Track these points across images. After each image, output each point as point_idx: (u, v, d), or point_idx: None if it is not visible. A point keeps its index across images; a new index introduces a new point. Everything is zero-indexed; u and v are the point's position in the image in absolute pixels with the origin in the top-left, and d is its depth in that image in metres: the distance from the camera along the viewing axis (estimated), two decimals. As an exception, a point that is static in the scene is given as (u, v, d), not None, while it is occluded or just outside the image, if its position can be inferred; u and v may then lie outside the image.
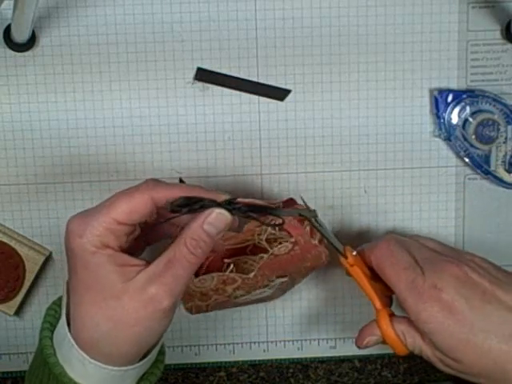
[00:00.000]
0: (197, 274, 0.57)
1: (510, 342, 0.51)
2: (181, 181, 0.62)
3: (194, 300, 0.59)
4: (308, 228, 0.58)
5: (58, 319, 0.53)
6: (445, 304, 0.52)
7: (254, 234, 0.60)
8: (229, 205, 0.50)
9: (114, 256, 0.49)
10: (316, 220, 0.55)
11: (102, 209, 0.50)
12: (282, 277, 0.59)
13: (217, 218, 0.50)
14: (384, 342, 0.56)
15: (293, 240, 0.57)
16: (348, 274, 0.58)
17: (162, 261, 0.49)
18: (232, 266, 0.58)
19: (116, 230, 0.49)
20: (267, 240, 0.59)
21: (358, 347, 0.57)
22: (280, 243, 0.58)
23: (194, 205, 0.50)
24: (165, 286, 0.49)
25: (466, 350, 0.52)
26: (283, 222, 0.54)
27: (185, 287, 0.50)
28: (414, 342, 0.54)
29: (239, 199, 0.51)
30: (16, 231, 0.64)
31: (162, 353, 0.56)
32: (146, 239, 0.55)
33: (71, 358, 0.50)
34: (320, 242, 0.58)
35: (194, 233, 0.50)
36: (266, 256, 0.57)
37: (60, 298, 0.54)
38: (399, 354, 0.55)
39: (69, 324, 0.51)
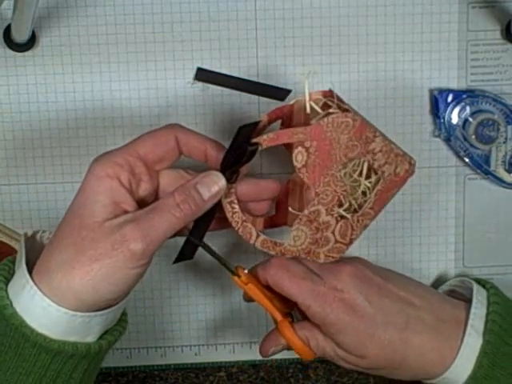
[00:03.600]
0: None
1: (406, 330, 0.55)
2: None
3: (320, 250, 0.56)
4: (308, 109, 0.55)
5: (12, 274, 0.52)
6: (347, 303, 0.54)
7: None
8: (231, 174, 0.52)
9: (115, 190, 0.50)
10: (205, 246, 0.54)
11: (128, 143, 0.52)
12: (358, 164, 0.55)
13: (212, 180, 0.51)
14: (289, 348, 0.57)
15: (298, 143, 0.53)
16: (244, 295, 0.58)
17: (145, 209, 0.50)
18: (290, 208, 0.57)
19: (134, 165, 0.51)
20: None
21: (264, 356, 0.58)
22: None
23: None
24: (139, 228, 0.48)
25: (371, 345, 0.54)
26: (256, 148, 0.53)
27: (162, 240, 0.49)
28: (318, 344, 0.56)
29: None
30: (16, 231, 0.64)
31: (125, 314, 0.55)
32: None
33: (33, 307, 0.49)
34: (326, 108, 0.55)
35: (186, 188, 0.50)
36: (298, 175, 0.54)
37: (14, 257, 0.53)
38: (306, 358, 0.56)
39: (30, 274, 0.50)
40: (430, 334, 0.55)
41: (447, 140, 0.64)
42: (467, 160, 0.64)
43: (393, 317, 0.55)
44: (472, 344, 0.54)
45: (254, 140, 0.52)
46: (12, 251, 0.63)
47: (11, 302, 0.49)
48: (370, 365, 0.55)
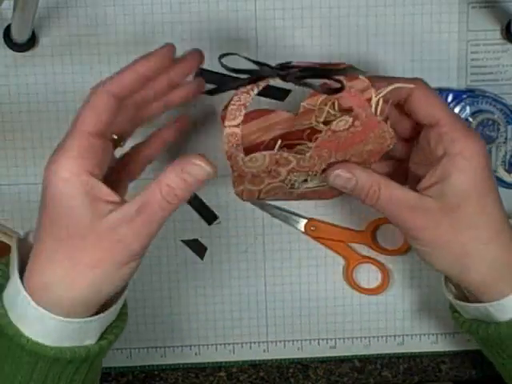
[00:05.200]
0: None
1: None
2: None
3: (245, 183, 0.52)
4: (373, 104, 0.51)
5: (6, 279, 0.50)
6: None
7: (311, 118, 0.55)
8: (282, 70, 0.48)
9: (88, 184, 0.47)
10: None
11: (70, 130, 0.48)
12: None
13: (194, 168, 0.48)
14: None
15: (353, 113, 0.51)
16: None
17: (135, 203, 0.47)
18: (279, 141, 0.52)
19: (91, 145, 0.48)
20: (326, 122, 0.54)
21: None
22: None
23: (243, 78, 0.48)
24: (135, 230, 0.47)
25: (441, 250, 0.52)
26: (342, 87, 0.49)
27: (157, 231, 0.48)
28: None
29: (295, 62, 0.48)
30: (16, 231, 0.64)
31: (124, 305, 0.53)
32: (127, 172, 0.54)
33: (27, 316, 0.48)
34: (385, 120, 0.52)
35: (171, 180, 0.48)
36: (323, 133, 0.51)
37: (7, 259, 0.52)
38: None
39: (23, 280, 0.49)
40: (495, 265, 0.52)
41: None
42: (467, 160, 0.64)
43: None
44: None
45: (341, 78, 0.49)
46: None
47: (6, 311, 0.49)
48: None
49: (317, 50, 0.63)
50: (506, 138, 0.63)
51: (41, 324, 0.48)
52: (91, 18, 0.62)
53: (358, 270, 0.66)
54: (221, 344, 0.67)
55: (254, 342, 0.67)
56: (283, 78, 0.47)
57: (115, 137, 0.52)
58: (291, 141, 0.54)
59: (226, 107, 0.49)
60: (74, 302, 0.48)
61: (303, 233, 0.65)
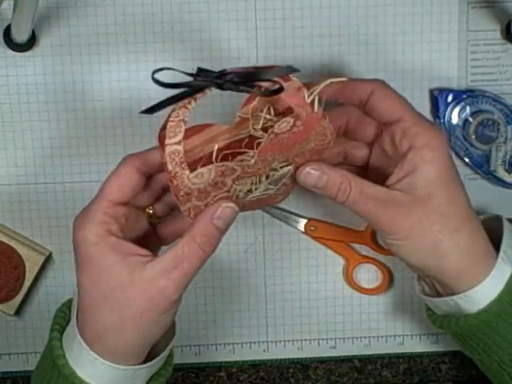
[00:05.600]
0: (193, 170, 0.50)
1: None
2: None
3: (192, 200, 0.51)
4: (309, 100, 0.50)
5: (67, 321, 0.53)
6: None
7: (248, 126, 0.54)
8: (220, 78, 0.48)
9: (117, 245, 0.50)
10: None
11: (96, 197, 0.51)
12: (285, 166, 0.53)
13: (225, 212, 0.50)
14: None
15: (294, 114, 0.50)
16: None
17: (171, 255, 0.50)
18: (216, 147, 0.51)
19: (114, 212, 0.50)
20: (264, 128, 0.53)
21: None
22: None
23: (184, 90, 0.48)
24: (175, 282, 0.49)
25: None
26: (281, 88, 0.48)
27: (193, 279, 0.51)
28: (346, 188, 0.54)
29: (229, 69, 0.48)
30: (16, 231, 0.64)
31: (170, 355, 0.56)
32: (159, 239, 0.56)
33: (82, 359, 0.51)
34: (324, 115, 0.51)
35: (205, 229, 0.50)
36: (266, 137, 0.50)
37: (70, 301, 0.55)
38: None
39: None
40: (465, 253, 0.53)
41: (447, 140, 0.64)
42: (467, 160, 0.64)
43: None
44: (503, 269, 0.53)
45: (283, 83, 0.49)
46: (12, 251, 0.63)
47: (64, 353, 0.51)
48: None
49: (316, 50, 0.63)
50: (506, 138, 0.63)
51: (93, 368, 0.51)
52: (91, 17, 0.62)
53: (357, 270, 0.66)
54: (221, 344, 0.67)
55: (254, 342, 0.67)
56: (220, 87, 0.48)
57: (150, 211, 0.54)
58: (232, 150, 0.53)
59: (165, 126, 0.49)
60: (127, 350, 0.51)
61: (303, 233, 0.65)
